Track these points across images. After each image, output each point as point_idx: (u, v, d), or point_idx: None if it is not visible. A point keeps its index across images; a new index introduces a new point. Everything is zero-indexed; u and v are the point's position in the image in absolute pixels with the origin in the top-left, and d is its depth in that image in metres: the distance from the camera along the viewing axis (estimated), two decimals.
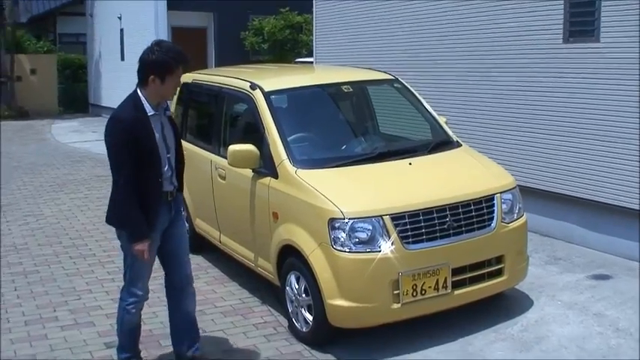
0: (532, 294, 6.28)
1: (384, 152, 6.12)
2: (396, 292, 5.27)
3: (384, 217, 5.26)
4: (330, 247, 5.27)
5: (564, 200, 7.41)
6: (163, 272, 5.29)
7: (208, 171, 7.11)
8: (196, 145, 7.53)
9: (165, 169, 4.91)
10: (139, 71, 4.84)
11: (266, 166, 6.03)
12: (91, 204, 10.56)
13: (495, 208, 5.66)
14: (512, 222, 5.78)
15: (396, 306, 5.30)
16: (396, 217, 5.28)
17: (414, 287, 5.32)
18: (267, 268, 6.20)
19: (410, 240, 5.30)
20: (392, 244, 5.23)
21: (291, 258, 5.73)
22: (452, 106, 8.52)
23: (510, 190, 5.85)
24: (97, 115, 22.23)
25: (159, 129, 4.88)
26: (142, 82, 4.80)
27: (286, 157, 5.85)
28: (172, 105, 8.34)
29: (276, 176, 5.90)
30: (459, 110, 8.50)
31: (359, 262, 5.24)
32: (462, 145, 6.45)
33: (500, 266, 5.71)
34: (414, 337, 5.61)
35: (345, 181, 5.69)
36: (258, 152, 6.03)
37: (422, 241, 5.34)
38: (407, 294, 5.29)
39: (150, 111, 4.80)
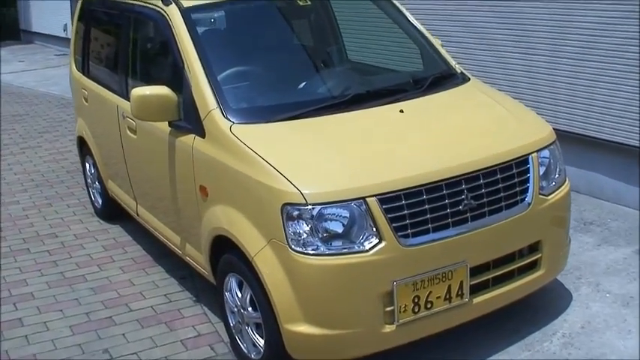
0: (567, 281, 4.38)
1: (361, 94, 4.00)
2: (389, 308, 3.32)
3: (367, 198, 3.24)
4: (285, 248, 3.27)
5: (591, 144, 5.46)
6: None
7: (115, 120, 4.99)
8: (100, 84, 5.37)
9: None
10: None
11: (188, 119, 3.94)
12: None
13: (531, 175, 3.67)
14: (552, 193, 3.81)
15: (389, 328, 3.35)
16: (387, 199, 3.27)
17: (416, 300, 3.37)
18: (197, 260, 4.19)
19: (409, 231, 3.31)
20: (381, 238, 3.26)
21: (229, 255, 3.75)
22: (440, 25, 6.40)
23: (549, 145, 3.88)
24: (29, 42, 19.68)
25: None
26: None
27: (216, 105, 3.76)
28: (72, 26, 6.16)
29: (202, 134, 3.83)
30: (449, 30, 6.39)
31: (331, 270, 3.24)
32: (469, 79, 4.38)
33: (535, 257, 3.75)
34: (411, 358, 3.75)
35: (305, 142, 3.61)
36: (175, 98, 3.94)
37: (426, 231, 3.35)
38: (405, 310, 3.35)
39: None
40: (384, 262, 3.26)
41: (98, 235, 5.69)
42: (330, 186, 3.26)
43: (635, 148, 5.11)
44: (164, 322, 4.31)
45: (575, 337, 3.85)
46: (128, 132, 4.77)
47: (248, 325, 3.70)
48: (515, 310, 3.95)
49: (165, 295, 4.64)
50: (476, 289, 3.55)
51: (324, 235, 3.24)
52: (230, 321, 3.89)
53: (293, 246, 3.24)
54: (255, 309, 3.59)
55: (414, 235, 3.32)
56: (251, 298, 3.60)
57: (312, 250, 3.23)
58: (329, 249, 3.24)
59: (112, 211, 5.81)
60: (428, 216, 3.34)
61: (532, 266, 3.77)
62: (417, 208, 3.32)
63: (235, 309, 3.78)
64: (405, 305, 3.34)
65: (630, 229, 5.01)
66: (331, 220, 3.26)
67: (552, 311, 4.09)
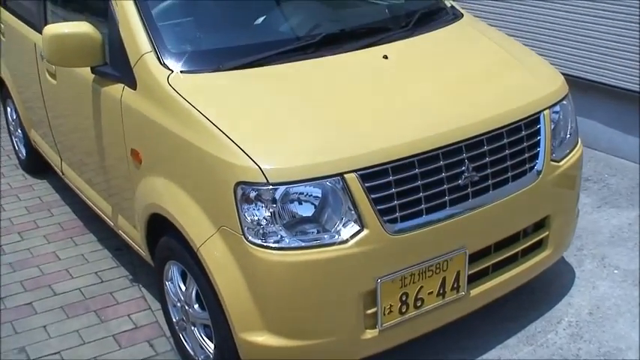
0: (568, 253, 3.65)
1: (334, 35, 3.10)
2: (370, 311, 2.60)
3: (345, 174, 2.47)
4: (240, 238, 2.48)
5: (585, 88, 4.72)
6: None
7: (34, 61, 4.07)
8: (18, 17, 4.39)
9: None
10: None
11: (115, 64, 3.07)
12: None
13: (542, 137, 2.93)
14: (564, 157, 3.08)
15: (370, 334, 2.63)
16: (370, 174, 2.48)
17: (404, 298, 2.65)
18: (132, 236, 3.39)
19: (397, 215, 2.54)
20: (363, 225, 2.49)
21: (168, 238, 2.96)
22: None
23: (562, 99, 3.12)
24: None
25: None
26: None
27: (150, 47, 2.89)
28: None
29: (132, 84, 2.96)
30: None
31: (298, 268, 2.46)
32: (462, 15, 3.52)
33: (542, 235, 3.05)
34: (395, 356, 3.05)
35: (265, 98, 2.75)
36: (99, 37, 3.06)
37: (419, 214, 2.58)
38: (391, 312, 2.62)
39: None
40: (367, 255, 2.50)
41: (22, 193, 4.81)
42: (298, 159, 2.45)
43: (635, 93, 4.41)
44: (94, 309, 3.52)
45: (583, 327, 3.19)
46: (47, 76, 3.86)
47: (194, 325, 2.95)
48: (511, 291, 3.27)
49: (96, 272, 3.83)
50: (474, 279, 2.85)
51: (290, 219, 2.47)
52: (172, 315, 3.12)
53: (250, 237, 2.46)
54: (202, 307, 2.83)
55: (403, 219, 2.56)
56: (197, 293, 2.84)
57: (275, 242, 2.45)
58: (296, 240, 2.47)
59: (37, 164, 4.90)
60: (421, 194, 2.57)
61: (537, 245, 3.08)
62: (408, 185, 2.55)
63: (178, 303, 3.03)
64: (391, 306, 2.61)
65: (631, 187, 4.33)
66: (299, 201, 2.48)
67: (554, 292, 3.43)
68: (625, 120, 4.58)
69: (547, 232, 3.05)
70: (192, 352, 3.03)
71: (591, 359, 2.98)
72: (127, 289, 3.68)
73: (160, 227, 2.97)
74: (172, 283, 3.03)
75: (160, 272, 3.11)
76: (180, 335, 3.10)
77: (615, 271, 3.55)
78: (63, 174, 4.20)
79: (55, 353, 3.24)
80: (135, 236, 3.32)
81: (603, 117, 4.70)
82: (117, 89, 3.05)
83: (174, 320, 3.12)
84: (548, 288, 3.44)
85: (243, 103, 2.68)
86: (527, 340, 3.13)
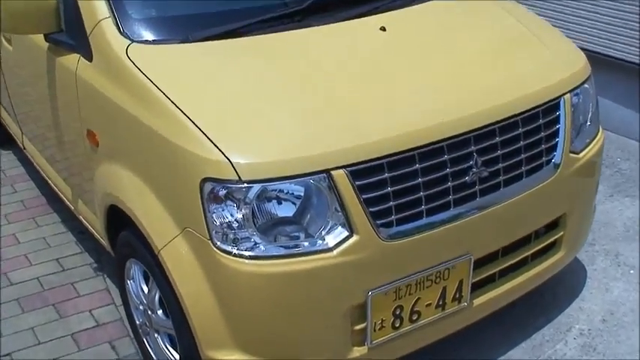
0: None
1: (323, 1, 2.63)
2: (358, 326, 2.21)
3: (333, 171, 2.06)
4: (207, 243, 2.08)
5: (597, 62, 4.26)
6: None
7: None
8: None
9: None
10: None
11: (70, 32, 2.63)
12: None
13: (561, 126, 2.51)
14: (584, 148, 2.67)
15: (358, 352, 2.23)
16: (362, 170, 2.07)
17: (398, 312, 2.25)
18: (93, 224, 2.96)
19: (392, 218, 2.14)
20: (352, 230, 2.08)
21: (128, 233, 2.55)
22: None
23: (584, 82, 2.68)
24: None
25: None
26: None
27: (108, 12, 2.45)
28: None
29: (88, 55, 2.53)
30: None
31: (276, 281, 2.06)
32: None
33: (556, 235, 2.65)
34: None
35: (240, 77, 2.31)
36: (53, 1, 2.63)
37: (418, 216, 2.19)
38: (382, 327, 2.23)
39: None
40: (356, 265, 2.09)
41: None
42: (277, 152, 2.03)
43: (635, 65, 3.98)
44: (52, 303, 3.11)
45: (595, 337, 2.81)
46: (4, 41, 3.42)
47: (158, 333, 2.56)
48: None
49: (57, 259, 3.42)
50: (477, 287, 2.46)
51: (267, 221, 2.06)
52: (135, 318, 2.73)
53: (218, 242, 2.05)
54: (166, 314, 2.44)
55: (400, 222, 2.15)
56: (160, 299, 2.45)
57: (247, 249, 2.04)
58: (273, 247, 2.06)
59: (2, 135, 4.45)
60: (421, 193, 2.17)
61: (550, 247, 2.68)
62: (406, 183, 2.13)
63: (141, 306, 2.62)
64: (382, 320, 2.22)
65: None
66: (279, 199, 2.07)
67: (563, 294, 3.04)
68: (638, 98, 4.16)
69: (562, 232, 2.64)
70: (154, 357, 2.65)
71: None
72: (89, 279, 3.27)
73: (121, 218, 2.57)
74: (134, 282, 2.63)
75: (120, 268, 2.70)
76: (144, 339, 2.71)
77: (631, 272, 3.15)
78: (24, 148, 3.77)
79: (6, 355, 2.85)
80: (96, 225, 2.91)
81: (615, 95, 4.27)
82: (72, 60, 2.61)
83: (137, 323, 2.73)
84: (557, 289, 3.05)
85: (213, 82, 2.24)
86: (534, 351, 2.75)
